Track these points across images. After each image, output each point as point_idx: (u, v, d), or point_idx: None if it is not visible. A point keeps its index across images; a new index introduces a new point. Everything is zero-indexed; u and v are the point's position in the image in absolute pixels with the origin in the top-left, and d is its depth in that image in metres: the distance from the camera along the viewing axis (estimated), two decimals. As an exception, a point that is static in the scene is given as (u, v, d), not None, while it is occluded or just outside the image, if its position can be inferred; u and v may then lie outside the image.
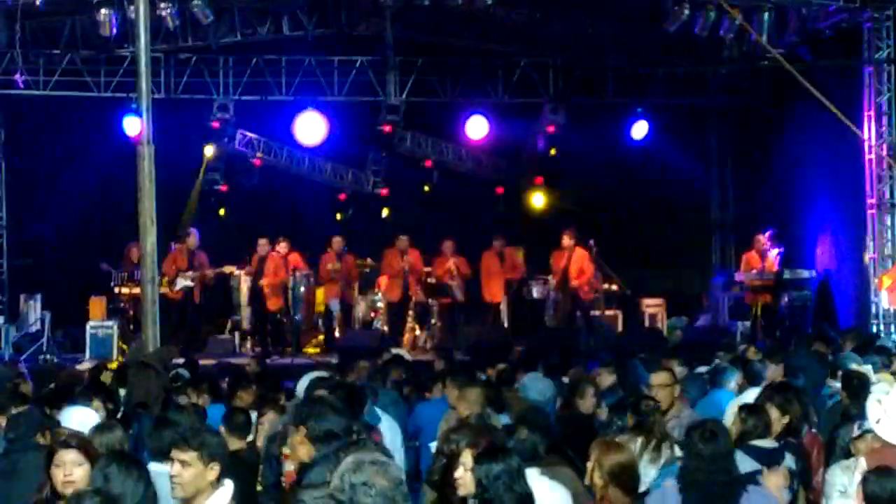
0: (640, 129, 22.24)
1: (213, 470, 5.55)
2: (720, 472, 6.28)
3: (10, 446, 7.55)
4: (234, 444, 7.70)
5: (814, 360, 12.48)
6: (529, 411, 8.21)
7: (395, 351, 16.67)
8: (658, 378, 9.11)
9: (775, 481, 7.08)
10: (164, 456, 6.09)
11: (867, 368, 10.22)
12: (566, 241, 20.13)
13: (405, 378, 12.32)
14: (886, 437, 6.94)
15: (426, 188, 22.84)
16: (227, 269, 20.16)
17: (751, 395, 9.20)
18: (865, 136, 19.00)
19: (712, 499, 6.27)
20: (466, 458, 6.06)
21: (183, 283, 19.14)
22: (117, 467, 5.51)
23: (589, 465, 6.24)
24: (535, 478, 6.47)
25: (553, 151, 22.71)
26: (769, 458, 7.48)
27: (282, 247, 20.07)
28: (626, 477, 6.14)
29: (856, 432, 7.58)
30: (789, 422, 8.18)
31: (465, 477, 5.99)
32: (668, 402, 8.87)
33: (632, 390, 10.03)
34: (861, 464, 6.74)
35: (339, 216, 22.69)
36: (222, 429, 7.76)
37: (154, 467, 6.20)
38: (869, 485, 6.08)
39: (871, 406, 7.29)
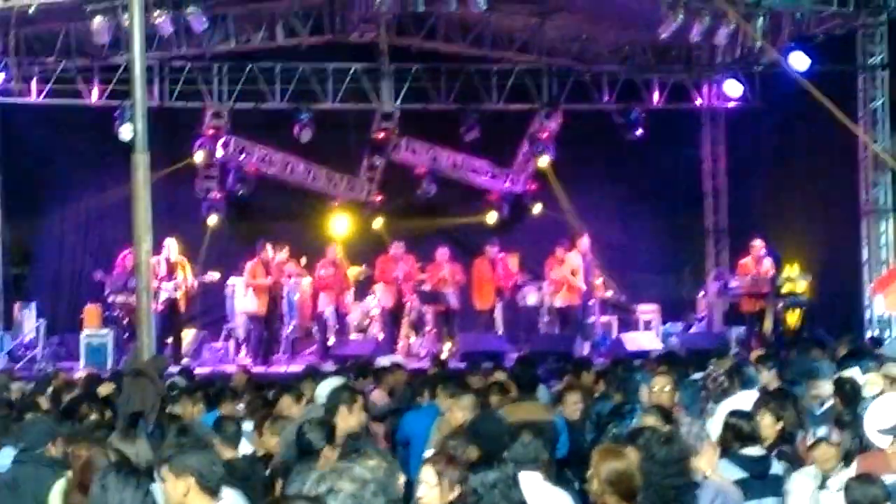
0: (634, 135, 22.23)
1: (183, 482, 5.59)
2: (675, 476, 6.31)
3: (19, 456, 7.52)
4: (227, 453, 7.68)
5: (812, 366, 12.51)
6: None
7: (392, 358, 16.74)
8: (659, 382, 9.10)
9: (707, 460, 7.11)
10: None
11: (856, 372, 10.21)
12: (585, 242, 20.19)
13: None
14: (877, 442, 6.97)
15: (420, 195, 22.78)
16: (209, 276, 20.02)
17: (742, 399, 9.23)
18: (860, 140, 19.03)
19: (670, 501, 6.30)
20: (427, 474, 5.96)
21: (165, 294, 19.05)
22: (115, 477, 5.53)
23: (590, 472, 6.21)
24: (538, 483, 6.46)
25: (547, 158, 22.69)
26: (755, 467, 7.49)
27: (280, 254, 20.05)
28: (624, 484, 6.06)
29: (809, 440, 7.59)
30: (782, 428, 8.17)
31: (427, 494, 5.91)
32: (669, 407, 8.84)
33: (629, 397, 9.99)
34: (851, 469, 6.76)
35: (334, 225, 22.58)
36: (215, 439, 7.73)
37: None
38: (852, 492, 6.13)
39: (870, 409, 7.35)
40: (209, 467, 5.65)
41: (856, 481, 6.24)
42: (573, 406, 9.92)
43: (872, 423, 7.20)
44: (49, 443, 7.41)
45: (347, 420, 7.95)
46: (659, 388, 8.98)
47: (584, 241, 20.56)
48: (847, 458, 7.31)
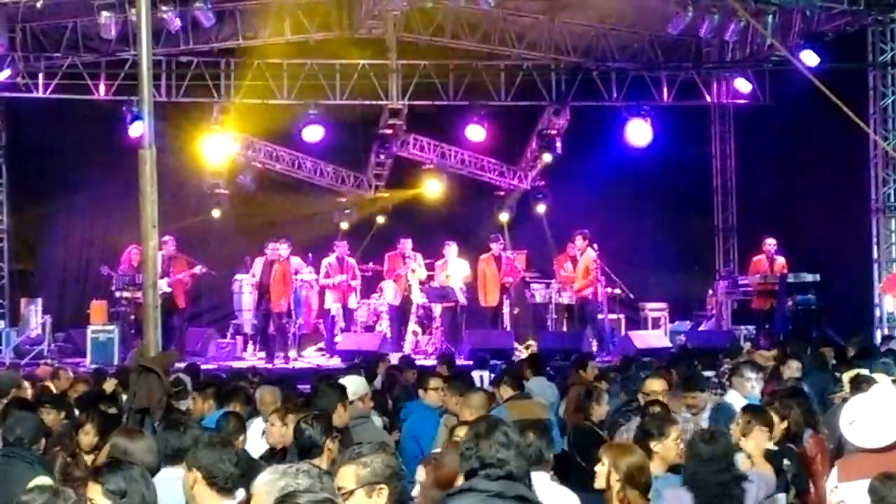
0: (642, 132, 22.09)
1: (192, 475, 5.68)
2: (721, 472, 6.48)
3: (5, 451, 7.46)
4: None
5: (818, 365, 12.46)
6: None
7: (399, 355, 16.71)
8: (654, 385, 9.01)
9: (756, 441, 7.20)
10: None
11: (866, 372, 10.14)
12: (579, 242, 20.09)
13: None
14: (855, 441, 6.64)
15: (428, 191, 22.68)
16: (198, 269, 19.84)
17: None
18: (871, 137, 18.90)
19: (719, 496, 6.47)
20: (420, 475, 5.92)
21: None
22: (140, 472, 5.51)
23: (601, 468, 6.16)
24: (545, 483, 6.41)
25: (554, 155, 22.57)
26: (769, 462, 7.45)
27: (285, 250, 19.99)
28: (642, 478, 6.15)
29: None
30: (787, 427, 8.11)
31: (421, 495, 5.86)
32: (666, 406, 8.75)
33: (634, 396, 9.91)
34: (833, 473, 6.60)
35: (341, 221, 22.51)
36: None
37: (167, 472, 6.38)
38: (879, 491, 5.97)
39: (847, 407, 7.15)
40: (216, 464, 5.70)
41: (879, 481, 6.07)
42: (602, 409, 9.71)
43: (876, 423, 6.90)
44: (35, 440, 7.36)
45: (341, 418, 8.00)
46: (653, 390, 8.88)
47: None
48: None
